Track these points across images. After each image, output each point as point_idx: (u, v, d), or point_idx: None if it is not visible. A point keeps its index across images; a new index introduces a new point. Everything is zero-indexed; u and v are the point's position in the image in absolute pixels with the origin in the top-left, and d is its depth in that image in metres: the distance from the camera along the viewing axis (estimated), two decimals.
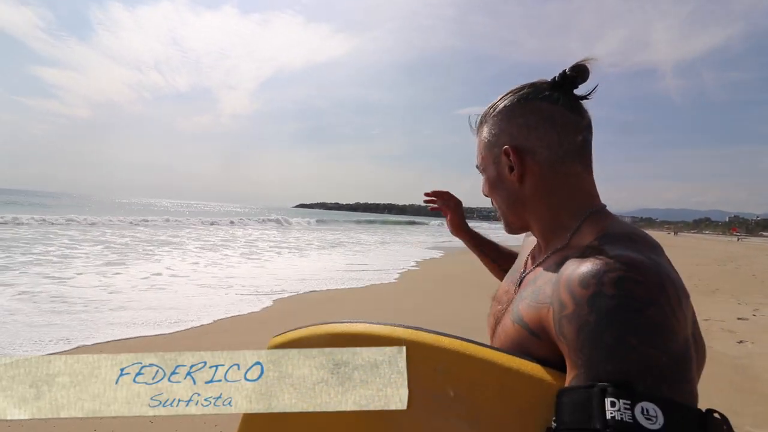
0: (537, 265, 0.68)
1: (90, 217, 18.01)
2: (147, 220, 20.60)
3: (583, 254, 0.55)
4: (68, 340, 3.43)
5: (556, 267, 0.59)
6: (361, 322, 0.66)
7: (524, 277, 0.72)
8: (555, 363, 0.53)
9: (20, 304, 4.34)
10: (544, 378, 0.53)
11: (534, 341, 0.56)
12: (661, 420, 0.41)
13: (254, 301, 5.17)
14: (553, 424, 0.47)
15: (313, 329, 0.67)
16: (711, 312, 5.46)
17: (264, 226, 25.64)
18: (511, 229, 0.74)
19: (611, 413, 0.41)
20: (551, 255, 0.65)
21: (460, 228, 1.22)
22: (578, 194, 0.66)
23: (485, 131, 0.71)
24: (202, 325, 4.04)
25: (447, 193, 1.23)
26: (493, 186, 0.72)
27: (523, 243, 0.89)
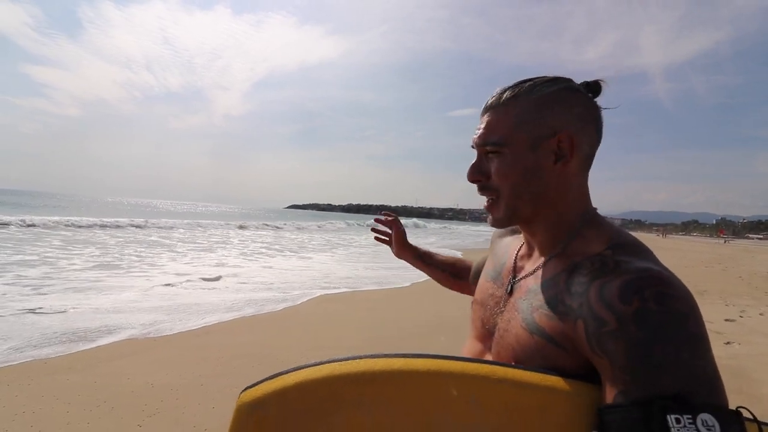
0: (535, 270, 0.66)
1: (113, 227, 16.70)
2: (174, 225, 19.16)
3: (603, 266, 0.56)
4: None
5: (567, 275, 0.59)
6: (364, 358, 0.55)
7: (518, 281, 0.69)
8: (579, 374, 0.54)
9: None
10: (580, 394, 0.52)
11: (559, 352, 0.55)
12: (718, 428, 0.43)
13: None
14: None
15: (305, 373, 0.55)
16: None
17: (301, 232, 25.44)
18: (507, 220, 0.67)
19: (677, 430, 0.42)
20: (551, 259, 0.64)
21: (404, 246, 1.18)
22: (584, 197, 0.67)
23: (521, 106, 0.64)
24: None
25: (396, 218, 1.22)
26: (516, 169, 0.64)
27: (496, 243, 0.86)
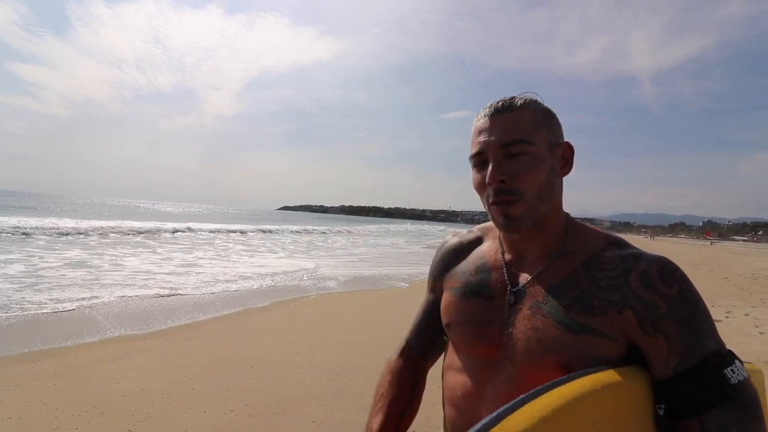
0: (540, 273, 0.67)
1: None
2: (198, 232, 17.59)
3: (624, 259, 0.63)
4: None
5: (585, 272, 0.64)
6: (503, 418, 0.49)
7: (524, 288, 0.67)
8: (620, 359, 0.60)
9: None
10: (638, 377, 0.58)
11: (606, 343, 0.60)
12: (743, 368, 0.57)
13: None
14: (660, 411, 0.57)
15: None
16: None
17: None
18: (528, 220, 0.66)
19: (734, 379, 0.55)
20: (554, 260, 0.68)
21: None
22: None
23: (534, 111, 0.67)
24: None
25: None
26: (542, 167, 0.65)
27: (451, 260, 0.81)
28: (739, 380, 0.55)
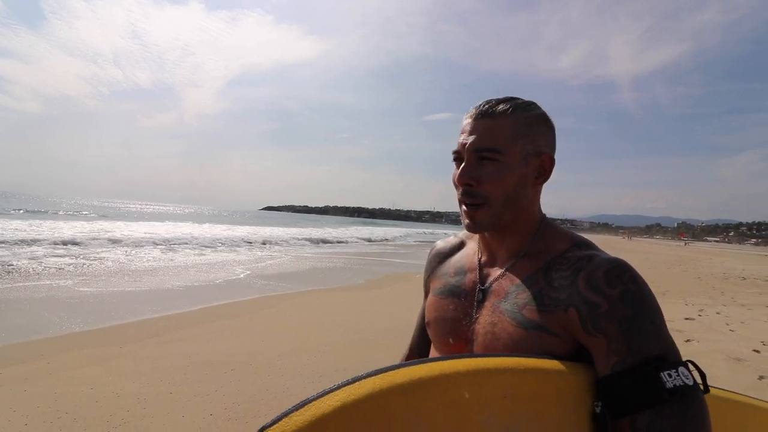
0: (503, 273, 0.71)
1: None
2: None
3: (580, 260, 0.64)
4: None
5: (544, 272, 0.66)
6: (401, 367, 0.51)
7: (488, 287, 0.71)
8: (568, 356, 0.61)
9: None
10: (579, 372, 0.59)
11: (553, 340, 0.62)
12: (690, 377, 0.56)
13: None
14: (597, 408, 0.57)
15: (343, 394, 0.47)
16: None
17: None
18: (490, 225, 0.69)
19: (671, 383, 0.54)
20: (518, 261, 0.70)
21: None
22: (540, 205, 0.74)
23: (516, 121, 0.68)
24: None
25: None
26: (509, 178, 0.67)
27: (438, 263, 0.84)
28: (675, 385, 0.54)
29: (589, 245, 0.69)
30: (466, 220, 0.70)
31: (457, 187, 0.71)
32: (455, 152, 0.71)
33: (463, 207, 0.70)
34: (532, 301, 0.65)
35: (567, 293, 0.62)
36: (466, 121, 0.71)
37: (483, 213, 0.68)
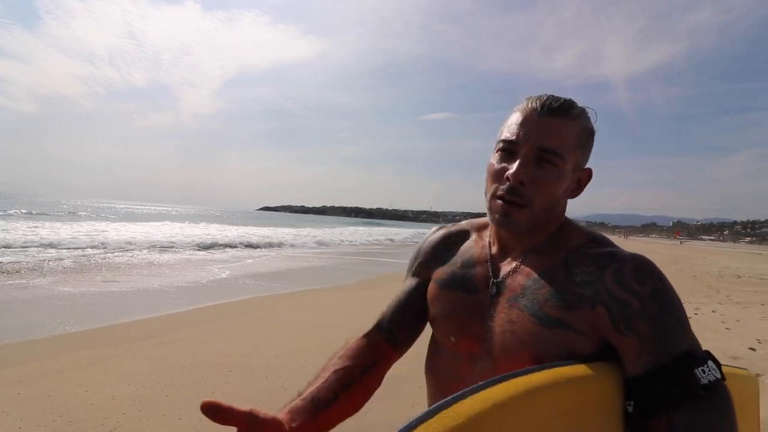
0: (516, 268, 0.68)
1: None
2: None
3: (601, 256, 0.63)
4: None
5: (563, 268, 0.64)
6: (454, 402, 0.48)
7: (502, 281, 0.68)
8: (593, 354, 0.60)
9: None
10: (608, 373, 0.58)
11: (579, 338, 0.60)
12: (717, 369, 0.56)
13: None
14: (629, 408, 0.56)
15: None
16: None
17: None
18: (525, 228, 0.66)
19: (704, 379, 0.54)
20: (533, 254, 0.68)
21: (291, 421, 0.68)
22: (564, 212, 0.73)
23: (581, 128, 0.66)
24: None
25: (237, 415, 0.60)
26: (560, 185, 0.65)
27: (439, 248, 0.80)
28: (709, 381, 0.54)
29: (607, 241, 0.68)
30: (500, 216, 0.65)
31: (497, 179, 0.66)
32: (509, 142, 0.65)
33: (499, 201, 0.65)
34: (553, 296, 0.62)
35: (592, 290, 0.60)
36: (529, 113, 0.65)
37: (523, 214, 0.64)
